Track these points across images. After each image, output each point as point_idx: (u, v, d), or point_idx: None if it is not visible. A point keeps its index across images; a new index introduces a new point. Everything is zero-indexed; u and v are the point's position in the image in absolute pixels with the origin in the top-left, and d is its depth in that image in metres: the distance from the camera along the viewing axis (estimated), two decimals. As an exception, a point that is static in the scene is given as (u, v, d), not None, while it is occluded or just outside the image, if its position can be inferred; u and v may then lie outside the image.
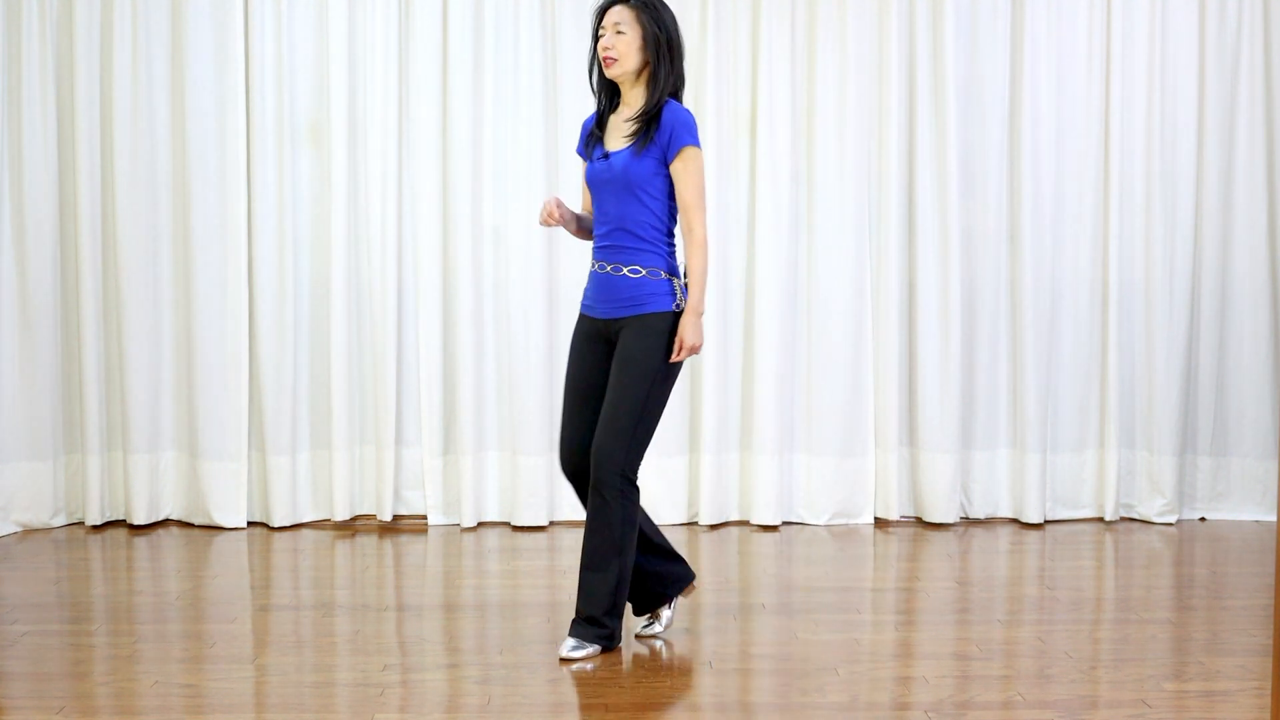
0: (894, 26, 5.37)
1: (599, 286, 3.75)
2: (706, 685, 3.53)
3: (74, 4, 5.24)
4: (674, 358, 3.65)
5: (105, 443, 5.39)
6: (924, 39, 5.41)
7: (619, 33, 3.69)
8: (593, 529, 3.68)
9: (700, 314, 3.68)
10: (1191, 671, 3.62)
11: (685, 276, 3.74)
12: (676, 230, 3.78)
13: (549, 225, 3.72)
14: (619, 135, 3.74)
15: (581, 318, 3.83)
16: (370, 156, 5.34)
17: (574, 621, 3.77)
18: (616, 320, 3.73)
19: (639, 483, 3.90)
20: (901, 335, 5.47)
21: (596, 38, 3.75)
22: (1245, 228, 5.52)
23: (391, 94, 5.34)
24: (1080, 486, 5.58)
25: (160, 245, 5.36)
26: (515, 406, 5.39)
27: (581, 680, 3.53)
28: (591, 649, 3.73)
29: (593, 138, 3.81)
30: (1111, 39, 5.44)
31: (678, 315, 3.70)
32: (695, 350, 3.68)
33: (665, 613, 3.96)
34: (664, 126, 3.65)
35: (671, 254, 3.75)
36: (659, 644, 3.85)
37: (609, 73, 3.72)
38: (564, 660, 3.70)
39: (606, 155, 3.73)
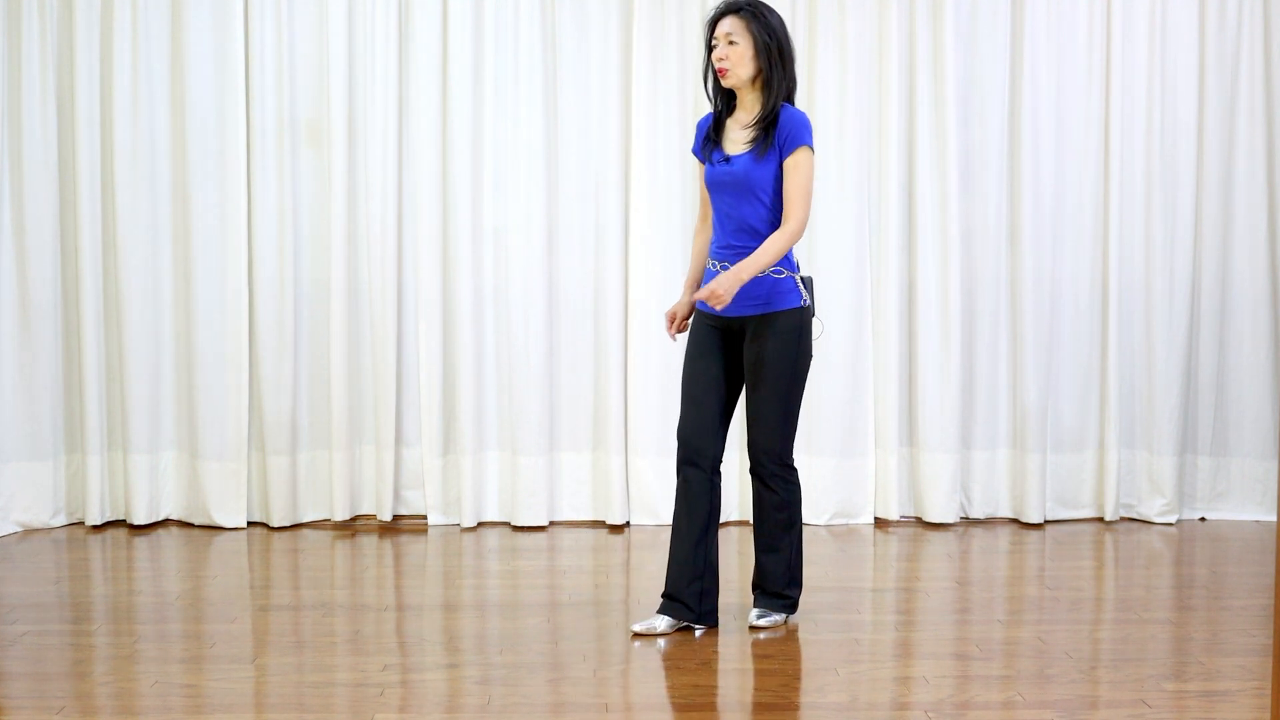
0: (894, 26, 5.36)
1: None
2: (707, 685, 3.53)
3: (74, 4, 5.24)
4: (696, 295, 3.73)
5: (105, 443, 5.38)
6: (924, 39, 5.41)
7: (731, 43, 3.83)
8: (760, 514, 4.00)
9: (740, 278, 3.73)
10: (1191, 671, 3.62)
11: (799, 269, 3.91)
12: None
13: (683, 326, 4.01)
14: (738, 140, 3.89)
15: (699, 314, 3.96)
16: (370, 156, 5.33)
17: (758, 594, 4.04)
18: (742, 318, 3.88)
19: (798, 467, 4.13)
20: (901, 335, 5.47)
21: (710, 48, 3.88)
22: (1245, 227, 5.51)
23: (391, 94, 5.34)
24: (1080, 486, 5.57)
25: (160, 245, 5.36)
26: (515, 406, 5.39)
27: (581, 680, 3.53)
28: (777, 617, 4.01)
29: (709, 140, 3.95)
30: (1111, 39, 5.43)
31: (804, 311, 3.87)
32: (716, 297, 3.68)
33: (662, 622, 3.93)
34: (781, 128, 3.81)
35: (791, 251, 3.87)
36: (660, 643, 3.85)
37: (725, 82, 3.87)
38: (753, 628, 3.96)
39: (727, 159, 3.87)
